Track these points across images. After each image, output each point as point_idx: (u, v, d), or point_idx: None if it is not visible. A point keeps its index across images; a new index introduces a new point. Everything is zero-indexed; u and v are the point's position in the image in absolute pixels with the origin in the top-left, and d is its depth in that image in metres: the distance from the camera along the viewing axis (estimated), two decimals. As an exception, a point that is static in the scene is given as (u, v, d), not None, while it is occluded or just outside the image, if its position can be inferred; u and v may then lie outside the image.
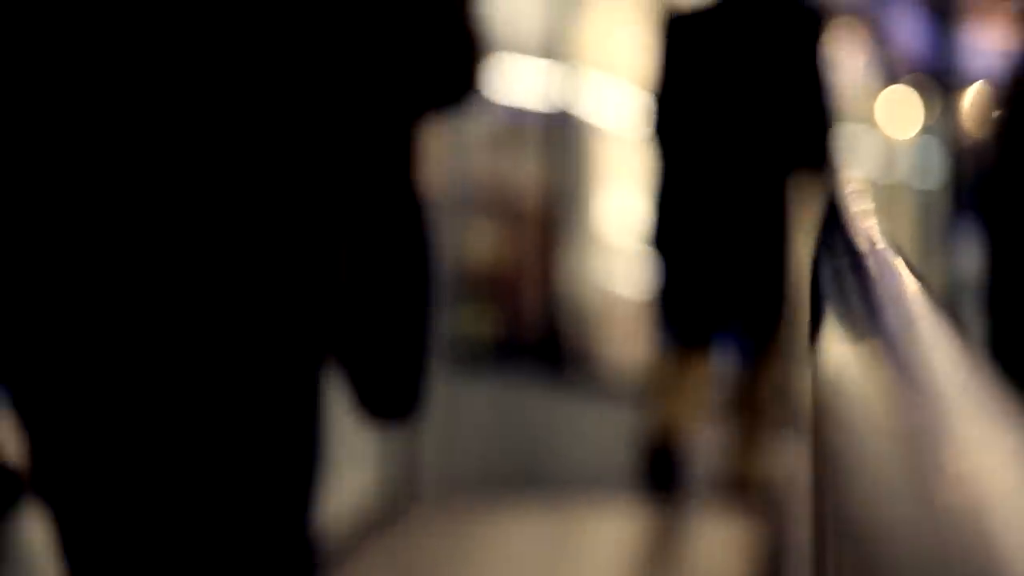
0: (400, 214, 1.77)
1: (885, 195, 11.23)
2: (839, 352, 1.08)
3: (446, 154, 6.18)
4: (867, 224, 2.35)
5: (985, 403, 0.76)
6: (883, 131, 11.71)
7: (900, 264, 1.64)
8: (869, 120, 11.45)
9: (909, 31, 12.28)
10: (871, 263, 1.66)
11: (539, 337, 7.01)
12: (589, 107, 7.44)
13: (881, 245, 1.92)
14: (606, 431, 7.26)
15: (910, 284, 1.37)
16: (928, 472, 0.66)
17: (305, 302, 1.65)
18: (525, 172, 7.16)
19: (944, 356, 0.89)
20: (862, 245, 2.00)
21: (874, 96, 11.55)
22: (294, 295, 1.64)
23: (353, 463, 5.51)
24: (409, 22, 1.68)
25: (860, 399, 0.87)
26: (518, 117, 7.12)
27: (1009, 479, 0.64)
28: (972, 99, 11.74)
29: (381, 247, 1.74)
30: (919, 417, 0.74)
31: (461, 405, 6.15)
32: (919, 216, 11.87)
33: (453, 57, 1.73)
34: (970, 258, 11.05)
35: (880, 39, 11.52)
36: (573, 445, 6.92)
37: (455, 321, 6.33)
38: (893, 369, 0.89)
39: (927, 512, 0.63)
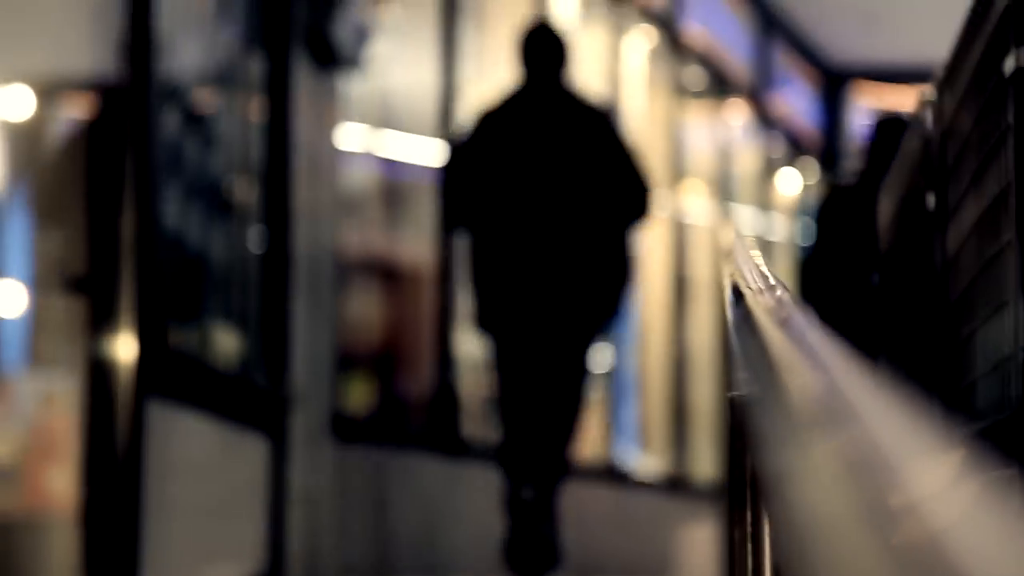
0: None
1: (773, 252, 11.35)
2: (760, 397, 1.10)
3: (327, 221, 6.15)
4: (763, 273, 2.38)
5: (913, 433, 0.76)
6: (771, 195, 11.83)
7: (799, 310, 1.67)
8: (759, 187, 11.56)
9: (798, 108, 12.44)
10: (774, 313, 1.69)
11: (430, 407, 6.97)
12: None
13: (783, 296, 1.95)
14: (493, 501, 7.22)
15: (810, 324, 1.41)
16: (875, 509, 0.65)
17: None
18: (415, 239, 7.15)
19: (864, 392, 0.89)
20: (765, 298, 2.02)
21: (763, 167, 11.67)
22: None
23: (233, 549, 5.42)
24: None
25: (791, 444, 0.88)
26: (407, 184, 7.12)
27: (953, 504, 0.63)
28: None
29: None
30: (855, 450, 0.74)
31: (347, 481, 6.08)
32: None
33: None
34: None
35: (767, 116, 11.65)
36: (465, 518, 6.86)
37: (339, 393, 6.28)
38: (817, 405, 0.90)
39: (884, 550, 0.62)
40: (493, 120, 5.78)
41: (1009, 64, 2.59)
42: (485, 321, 5.74)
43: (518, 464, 5.71)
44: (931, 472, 0.69)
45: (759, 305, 1.81)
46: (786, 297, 1.89)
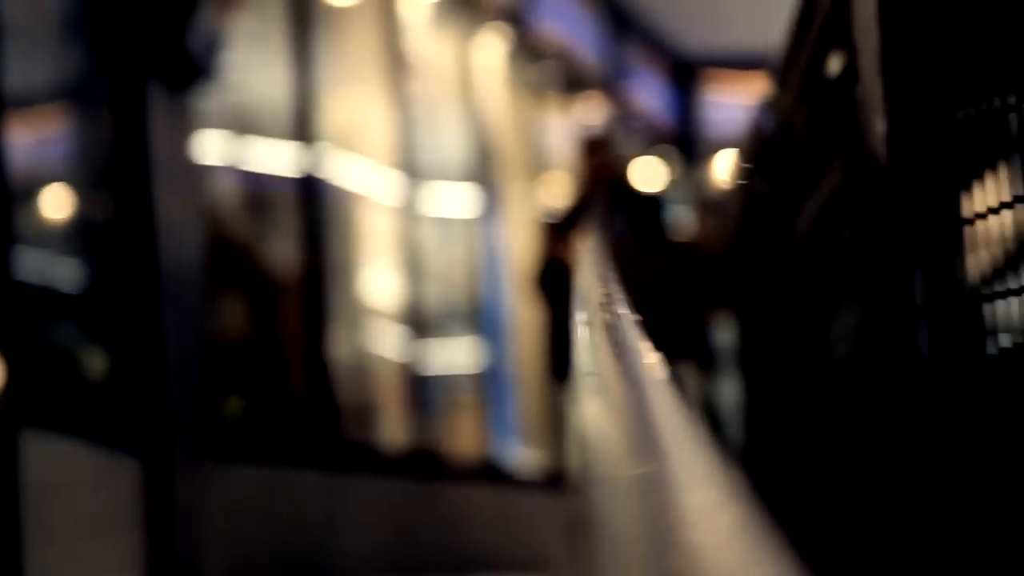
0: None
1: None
2: (589, 411, 1.15)
3: (191, 233, 6.09)
4: (610, 288, 2.39)
5: (708, 472, 0.79)
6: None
7: (634, 329, 1.70)
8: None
9: (652, 99, 12.53)
10: (614, 325, 1.73)
11: (306, 414, 6.92)
12: (345, 182, 7.44)
13: (621, 308, 1.98)
14: (380, 508, 7.18)
15: (643, 350, 1.45)
16: (661, 542, 0.69)
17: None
18: (284, 244, 7.10)
19: (671, 423, 0.93)
20: (608, 308, 2.05)
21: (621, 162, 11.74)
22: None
23: (113, 565, 5.35)
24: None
25: (605, 460, 0.91)
26: (273, 191, 7.07)
27: (732, 550, 0.67)
28: (722, 162, 12.02)
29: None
30: (652, 482, 0.77)
31: (221, 494, 6.02)
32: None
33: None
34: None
35: (624, 109, 11.72)
36: (347, 526, 6.82)
37: (213, 405, 6.22)
38: (631, 431, 0.92)
39: (662, 565, 0.66)
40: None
41: (834, 65, 2.59)
42: None
43: None
44: (705, 496, 0.74)
45: (597, 317, 1.85)
46: (623, 313, 1.91)
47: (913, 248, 2.14)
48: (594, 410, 1.11)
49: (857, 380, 2.49)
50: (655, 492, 0.77)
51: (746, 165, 4.25)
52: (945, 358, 2.06)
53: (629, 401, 1.06)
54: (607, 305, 2.03)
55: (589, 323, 1.84)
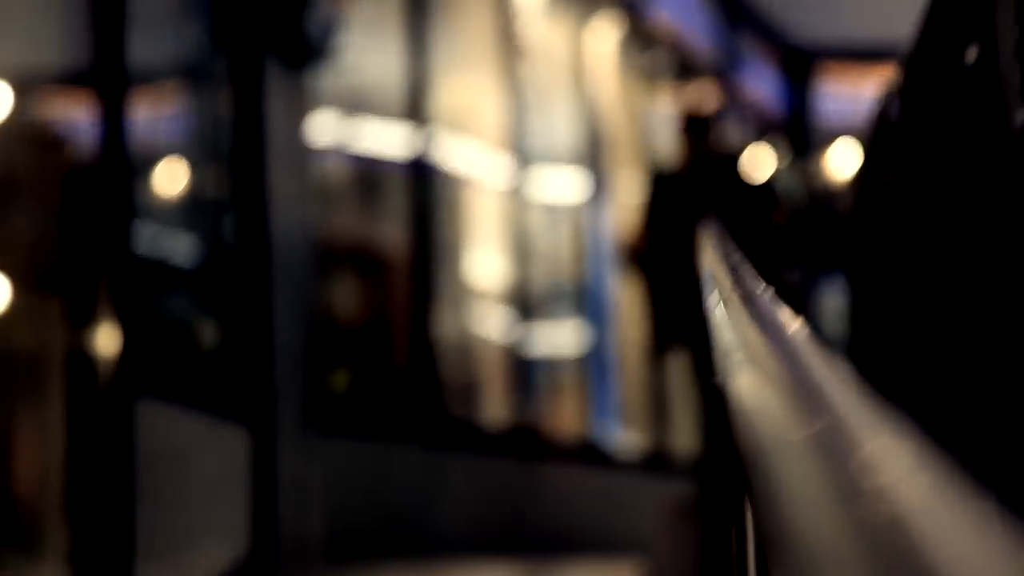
0: None
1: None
2: (743, 386, 1.16)
3: (303, 211, 6.20)
4: (737, 262, 2.41)
5: (876, 417, 0.80)
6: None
7: (770, 297, 1.72)
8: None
9: (764, 89, 12.50)
10: (752, 296, 1.73)
11: (410, 391, 7.02)
12: (455, 164, 7.52)
13: (753, 280, 1.98)
14: (480, 486, 7.27)
15: (784, 316, 1.45)
16: (843, 490, 0.70)
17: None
18: (392, 226, 7.20)
19: (828, 380, 0.94)
20: (743, 281, 2.06)
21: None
22: None
23: (219, 531, 5.47)
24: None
25: (770, 427, 0.92)
26: (384, 171, 7.17)
27: (917, 489, 0.68)
28: (835, 152, 11.96)
29: None
30: (826, 437, 0.78)
31: (328, 466, 6.11)
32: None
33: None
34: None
35: (735, 98, 11.71)
36: (446, 502, 6.91)
37: (319, 379, 6.32)
38: (792, 396, 0.94)
39: (849, 530, 0.67)
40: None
41: (971, 54, 2.59)
42: None
43: None
44: (898, 456, 0.75)
45: (734, 292, 1.86)
46: (758, 284, 1.91)
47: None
48: (748, 384, 1.12)
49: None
50: (830, 446, 0.77)
51: (869, 154, 4.22)
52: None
53: (783, 368, 1.06)
54: (738, 280, 2.03)
55: (724, 301, 1.84)
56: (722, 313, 1.81)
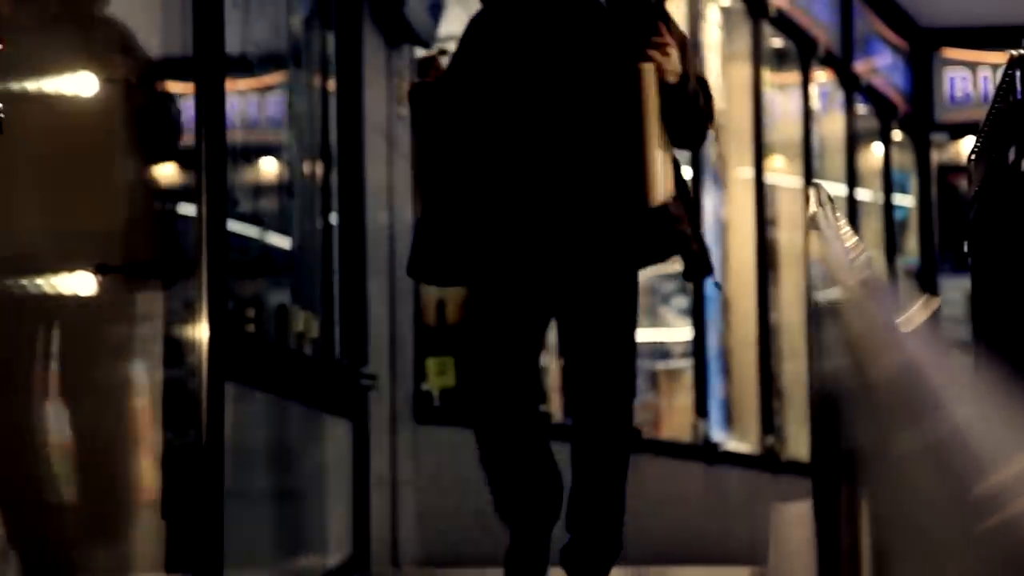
0: None
1: (857, 211, 11.26)
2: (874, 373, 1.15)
3: (402, 199, 6.08)
4: (847, 233, 2.28)
5: (998, 421, 0.79)
6: (858, 160, 11.70)
7: (885, 288, 1.63)
8: (845, 153, 11.42)
9: (886, 71, 12.27)
10: (859, 293, 1.65)
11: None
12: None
13: (869, 269, 1.89)
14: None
15: (896, 303, 1.38)
16: (962, 490, 0.70)
17: None
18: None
19: (950, 376, 0.91)
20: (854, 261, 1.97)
21: (849, 132, 11.51)
22: None
23: (332, 529, 5.37)
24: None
25: (888, 428, 0.94)
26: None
27: None
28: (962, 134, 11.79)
29: None
30: (944, 439, 0.78)
31: (429, 464, 6.01)
32: (890, 231, 11.96)
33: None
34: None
35: (856, 80, 11.48)
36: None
37: (419, 375, 6.21)
38: (910, 392, 0.92)
39: (967, 534, 0.67)
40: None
41: None
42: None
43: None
44: (1012, 456, 0.73)
45: (845, 286, 1.81)
46: (872, 274, 1.83)
47: None
48: (864, 381, 1.12)
49: None
50: (949, 448, 0.77)
51: (992, 133, 4.11)
52: None
53: (901, 365, 1.04)
54: (858, 269, 1.95)
55: (846, 292, 1.80)
56: (836, 304, 1.81)
